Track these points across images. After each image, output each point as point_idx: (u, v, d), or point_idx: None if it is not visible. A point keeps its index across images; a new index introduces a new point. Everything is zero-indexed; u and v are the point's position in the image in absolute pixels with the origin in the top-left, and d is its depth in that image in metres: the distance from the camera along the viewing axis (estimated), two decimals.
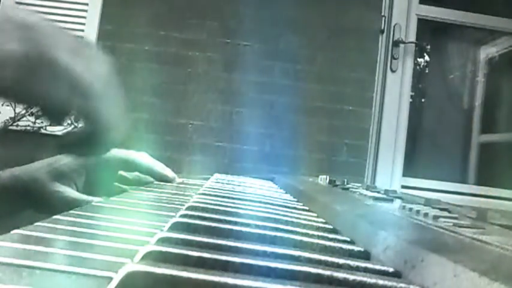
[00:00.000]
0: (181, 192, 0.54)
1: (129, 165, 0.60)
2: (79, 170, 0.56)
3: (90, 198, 0.54)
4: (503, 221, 0.30)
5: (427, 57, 2.86)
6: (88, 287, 0.18)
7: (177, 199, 0.43)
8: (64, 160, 0.55)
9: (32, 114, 1.98)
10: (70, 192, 0.54)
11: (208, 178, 0.69)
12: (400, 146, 2.35)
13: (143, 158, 0.61)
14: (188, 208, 0.32)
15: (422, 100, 2.87)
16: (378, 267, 0.21)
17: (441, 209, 0.35)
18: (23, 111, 1.99)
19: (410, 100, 2.46)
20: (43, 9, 2.23)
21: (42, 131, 2.00)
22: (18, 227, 0.24)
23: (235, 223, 0.28)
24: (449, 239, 0.24)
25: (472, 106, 2.72)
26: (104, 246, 0.23)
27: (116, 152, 0.60)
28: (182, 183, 0.63)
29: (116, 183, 0.60)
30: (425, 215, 0.31)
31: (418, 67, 2.79)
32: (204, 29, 2.25)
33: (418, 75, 2.77)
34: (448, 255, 0.19)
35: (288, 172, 2.02)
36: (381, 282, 0.19)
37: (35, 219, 0.26)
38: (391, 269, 0.21)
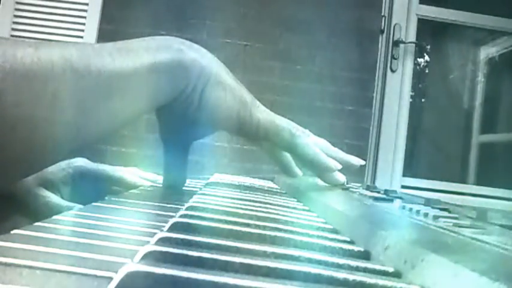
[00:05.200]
0: (182, 192, 0.54)
1: (115, 182, 0.60)
2: (65, 180, 0.57)
3: (71, 204, 0.55)
4: (503, 221, 0.30)
5: (427, 57, 2.86)
6: (88, 287, 0.18)
7: (177, 199, 0.43)
8: (51, 169, 0.56)
9: None
10: (53, 197, 0.56)
11: (208, 178, 0.69)
12: (400, 146, 2.35)
13: (131, 175, 0.61)
14: (188, 208, 0.32)
15: (422, 100, 2.87)
16: (378, 267, 0.21)
17: (441, 209, 0.35)
18: None
19: (410, 100, 2.46)
20: (43, 9, 2.23)
21: None
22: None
23: (235, 223, 0.28)
24: (449, 239, 0.24)
25: (472, 106, 2.72)
26: (104, 246, 0.23)
27: (104, 167, 0.61)
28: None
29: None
30: (425, 215, 0.31)
31: (418, 67, 2.79)
32: (204, 29, 2.25)
33: (418, 75, 2.77)
34: (448, 255, 0.19)
35: None
36: (380, 282, 0.19)
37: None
38: (391, 269, 0.21)
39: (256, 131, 0.47)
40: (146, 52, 0.39)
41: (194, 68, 0.43)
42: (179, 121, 0.46)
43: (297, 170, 0.57)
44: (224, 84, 0.45)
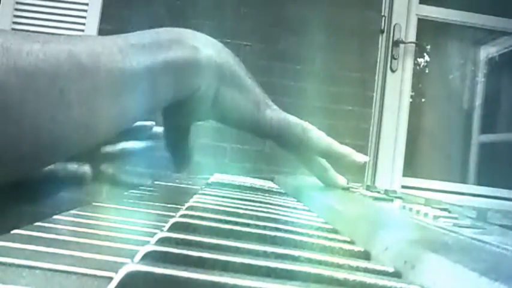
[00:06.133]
0: (181, 192, 0.54)
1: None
2: (125, 157, 0.56)
3: (136, 180, 0.54)
4: (503, 221, 0.30)
5: (427, 57, 2.86)
6: (88, 287, 0.18)
7: (177, 199, 0.43)
8: (113, 147, 0.55)
9: None
10: (118, 173, 0.55)
11: (208, 178, 0.69)
12: (400, 146, 2.35)
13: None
14: (188, 208, 0.32)
15: (422, 100, 2.87)
16: (378, 267, 0.21)
17: (441, 209, 0.35)
18: None
19: (410, 100, 2.46)
20: (43, 9, 2.23)
21: None
22: (18, 227, 0.24)
23: (235, 223, 0.28)
24: (449, 239, 0.24)
25: (472, 106, 2.72)
26: (104, 246, 0.23)
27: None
28: (183, 182, 0.63)
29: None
30: (425, 215, 0.31)
31: (418, 67, 2.79)
32: (204, 29, 2.24)
33: (418, 75, 2.77)
34: (448, 255, 0.19)
35: (288, 172, 2.02)
36: (380, 282, 0.19)
37: (35, 219, 0.26)
38: (391, 269, 0.21)
39: (270, 129, 0.47)
40: (159, 49, 0.38)
41: (209, 66, 0.42)
42: (189, 115, 0.46)
43: (338, 177, 0.53)
44: (239, 85, 0.45)
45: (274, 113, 0.48)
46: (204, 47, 0.42)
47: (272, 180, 0.78)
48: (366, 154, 0.52)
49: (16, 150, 0.31)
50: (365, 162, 0.51)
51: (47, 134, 0.32)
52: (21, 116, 0.30)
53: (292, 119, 0.49)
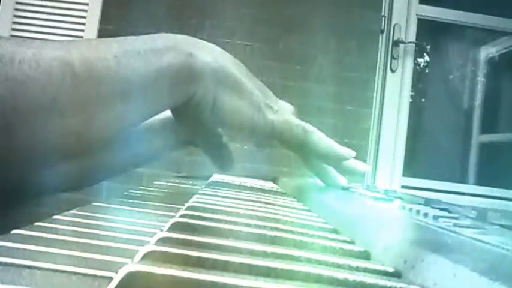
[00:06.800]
0: (181, 192, 0.54)
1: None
2: None
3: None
4: (503, 221, 0.30)
5: (427, 57, 2.86)
6: (88, 287, 0.18)
7: (177, 199, 0.43)
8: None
9: None
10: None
11: (208, 178, 0.69)
12: (400, 146, 2.35)
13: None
14: (188, 208, 0.32)
15: (422, 100, 2.87)
16: (378, 267, 0.21)
17: (441, 209, 0.35)
18: None
19: (410, 100, 2.46)
20: (43, 9, 2.23)
21: None
22: (18, 227, 0.24)
23: (235, 223, 0.28)
24: (449, 239, 0.24)
25: (472, 106, 2.72)
26: (104, 246, 0.23)
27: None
28: (182, 181, 0.63)
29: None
30: (425, 215, 0.31)
31: (418, 67, 2.78)
32: (204, 29, 2.25)
33: (418, 75, 2.77)
34: (448, 255, 0.19)
35: (288, 172, 2.02)
36: (381, 282, 0.19)
37: (35, 219, 0.26)
38: (391, 269, 0.21)
39: (271, 132, 0.47)
40: (153, 55, 0.38)
41: (205, 73, 0.41)
42: (192, 121, 0.46)
43: (338, 177, 0.53)
44: (239, 90, 0.44)
45: (275, 115, 0.47)
46: (200, 52, 0.41)
47: (272, 180, 0.78)
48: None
49: (8, 157, 0.31)
50: (365, 172, 0.51)
51: (39, 141, 0.32)
52: (14, 124, 0.30)
53: (294, 121, 0.49)
